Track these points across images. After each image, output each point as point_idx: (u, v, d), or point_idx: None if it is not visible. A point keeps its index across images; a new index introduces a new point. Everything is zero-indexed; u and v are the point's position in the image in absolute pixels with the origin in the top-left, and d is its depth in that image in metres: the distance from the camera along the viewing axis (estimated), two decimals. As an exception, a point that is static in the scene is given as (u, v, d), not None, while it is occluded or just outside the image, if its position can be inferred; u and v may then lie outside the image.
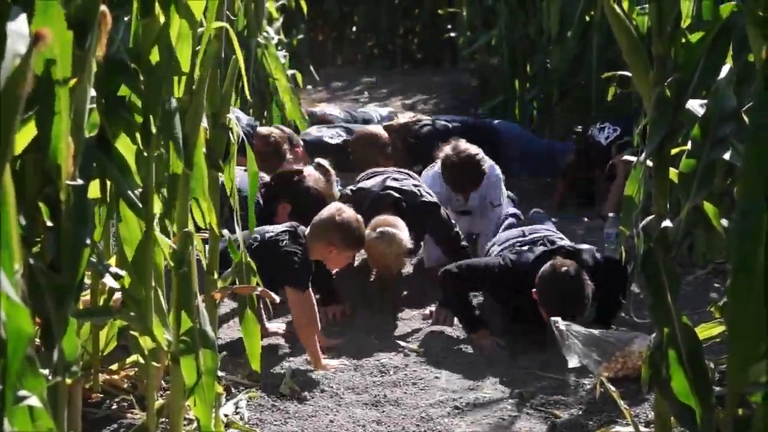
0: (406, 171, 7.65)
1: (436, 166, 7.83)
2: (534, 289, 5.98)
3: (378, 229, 6.52)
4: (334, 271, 6.96)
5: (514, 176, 9.09)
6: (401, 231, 6.60)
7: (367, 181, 7.36)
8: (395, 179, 7.20)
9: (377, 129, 8.90)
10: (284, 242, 6.14)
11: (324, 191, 7.48)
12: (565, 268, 5.89)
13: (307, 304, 6.00)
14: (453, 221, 7.21)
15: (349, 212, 6.32)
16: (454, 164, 7.56)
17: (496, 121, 10.14)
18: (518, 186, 9.12)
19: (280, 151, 8.24)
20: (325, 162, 7.78)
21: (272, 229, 6.30)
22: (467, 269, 6.47)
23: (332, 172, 7.70)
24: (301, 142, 9.25)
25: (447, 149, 7.66)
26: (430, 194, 7.16)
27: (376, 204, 6.91)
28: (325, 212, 6.34)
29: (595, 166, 8.99)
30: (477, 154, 7.56)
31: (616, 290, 6.28)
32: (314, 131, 9.89)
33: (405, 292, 7.29)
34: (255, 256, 5.38)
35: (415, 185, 7.17)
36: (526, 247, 6.59)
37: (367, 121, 11.06)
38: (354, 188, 7.26)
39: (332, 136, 9.78)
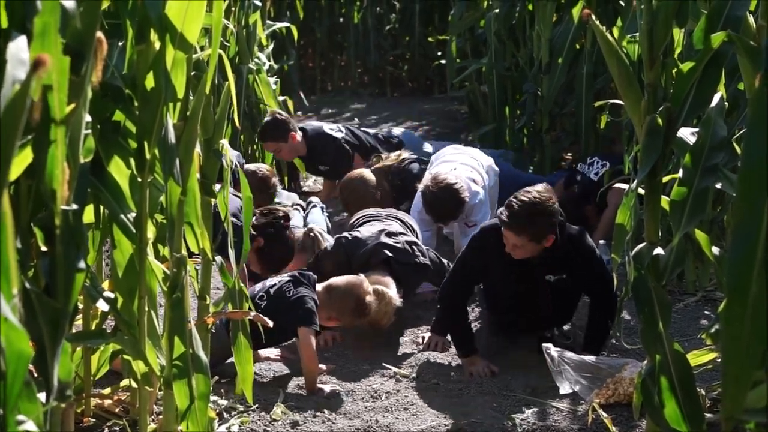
0: (401, 218, 7.68)
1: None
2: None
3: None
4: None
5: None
6: (390, 289, 6.68)
7: (363, 228, 7.39)
8: (390, 234, 7.22)
9: (365, 172, 8.90)
10: (290, 291, 6.20)
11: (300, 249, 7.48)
12: (540, 191, 6.08)
13: (313, 343, 6.04)
14: (444, 262, 7.28)
15: (370, 298, 6.41)
16: (433, 195, 7.57)
17: None
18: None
19: (268, 185, 8.26)
20: (317, 231, 7.75)
21: (275, 282, 6.34)
22: (453, 266, 6.63)
23: (321, 240, 7.67)
24: (298, 129, 9.28)
25: (427, 179, 7.68)
26: (423, 254, 7.20)
27: (368, 258, 6.97)
28: (352, 289, 6.40)
29: (587, 203, 8.95)
30: (455, 184, 7.57)
31: (603, 315, 6.28)
32: (315, 122, 9.93)
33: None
34: (268, 313, 5.42)
35: (409, 242, 7.20)
36: None
37: (393, 136, 10.98)
38: (349, 237, 7.26)
39: (333, 128, 9.83)
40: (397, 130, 11.27)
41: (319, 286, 6.40)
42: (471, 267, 6.46)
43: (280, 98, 10.74)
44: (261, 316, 5.13)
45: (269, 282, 6.42)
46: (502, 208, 6.07)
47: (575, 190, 9.11)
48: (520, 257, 6.14)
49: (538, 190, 6.03)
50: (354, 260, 6.96)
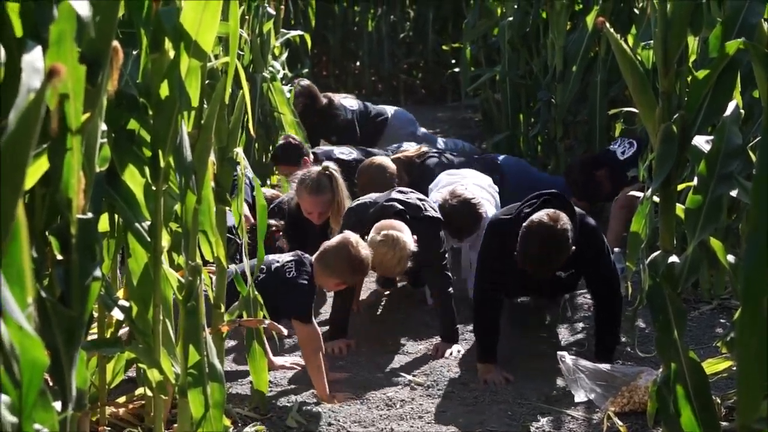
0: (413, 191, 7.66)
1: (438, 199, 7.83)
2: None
3: (382, 232, 6.52)
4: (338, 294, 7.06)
5: None
6: (404, 234, 6.61)
7: (373, 193, 7.38)
8: (401, 192, 7.20)
9: (385, 160, 8.89)
10: (291, 272, 6.16)
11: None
12: (561, 226, 5.91)
13: (314, 335, 6.00)
14: (445, 249, 7.20)
15: (365, 251, 6.33)
16: (453, 208, 7.52)
17: (500, 157, 10.12)
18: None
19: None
20: (332, 165, 7.76)
21: (278, 259, 6.31)
22: (478, 267, 6.61)
23: (339, 177, 7.68)
24: (310, 153, 9.31)
25: (439, 196, 7.65)
26: (434, 209, 7.16)
27: (379, 214, 6.90)
28: (342, 249, 6.30)
29: (600, 168, 8.96)
30: (473, 199, 7.53)
31: (609, 320, 6.28)
32: (325, 146, 9.98)
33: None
34: (262, 287, 5.40)
35: (420, 199, 7.16)
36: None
37: (380, 114, 11.26)
38: (358, 201, 7.26)
39: (343, 152, 9.85)
40: (390, 109, 11.47)
41: (314, 258, 6.37)
42: (493, 258, 6.44)
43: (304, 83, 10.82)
44: (275, 324, 5.13)
45: (272, 257, 6.39)
46: (519, 250, 5.97)
47: (590, 156, 9.14)
48: None
49: (552, 229, 5.88)
50: (366, 220, 6.84)
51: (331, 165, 7.70)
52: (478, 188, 8.00)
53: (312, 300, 6.16)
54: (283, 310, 6.02)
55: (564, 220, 5.92)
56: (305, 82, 10.95)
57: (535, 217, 5.96)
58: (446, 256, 7.09)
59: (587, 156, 9.52)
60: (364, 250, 6.30)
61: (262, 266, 6.12)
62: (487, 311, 6.43)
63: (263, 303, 5.40)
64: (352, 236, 6.36)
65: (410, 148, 9.33)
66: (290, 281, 6.11)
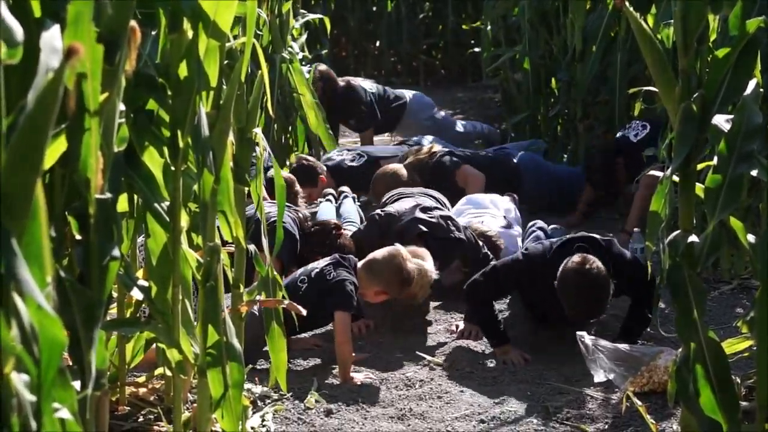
0: (432, 194, 7.69)
1: None
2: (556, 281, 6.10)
3: None
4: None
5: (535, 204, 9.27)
6: (427, 262, 6.63)
7: (396, 204, 7.40)
8: (424, 209, 7.22)
9: (397, 167, 8.96)
10: (330, 274, 6.23)
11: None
12: (589, 267, 5.98)
13: (349, 324, 6.11)
14: (480, 243, 7.21)
15: (411, 265, 6.38)
16: None
17: (516, 154, 10.03)
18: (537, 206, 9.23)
19: (292, 190, 8.23)
20: (347, 190, 7.84)
21: (316, 266, 6.37)
22: (491, 271, 6.55)
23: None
24: (325, 169, 9.37)
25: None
26: (458, 229, 7.17)
27: (403, 234, 6.95)
28: (393, 260, 6.38)
29: (618, 156, 8.98)
30: (488, 231, 7.53)
31: (642, 305, 6.26)
32: (335, 156, 9.99)
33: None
34: (308, 296, 5.48)
35: (443, 217, 7.19)
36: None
37: (398, 98, 11.48)
38: (382, 213, 7.27)
39: (353, 158, 9.91)
40: (408, 93, 11.53)
41: (359, 265, 6.40)
42: (510, 279, 6.49)
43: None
44: (294, 304, 5.14)
45: (311, 266, 6.44)
46: (564, 303, 6.09)
47: (612, 143, 9.16)
48: None
49: (584, 273, 5.99)
50: (388, 236, 6.91)
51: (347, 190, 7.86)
52: (495, 221, 7.98)
53: (356, 291, 6.22)
54: (328, 306, 6.08)
55: (591, 259, 6.03)
56: (322, 66, 11.02)
57: (566, 267, 6.07)
58: (483, 255, 7.09)
59: (607, 142, 9.52)
60: (411, 264, 6.34)
61: (303, 276, 6.21)
62: (480, 301, 6.51)
63: (309, 314, 5.44)
64: (402, 248, 6.43)
65: (424, 146, 9.44)
66: (330, 281, 6.21)
